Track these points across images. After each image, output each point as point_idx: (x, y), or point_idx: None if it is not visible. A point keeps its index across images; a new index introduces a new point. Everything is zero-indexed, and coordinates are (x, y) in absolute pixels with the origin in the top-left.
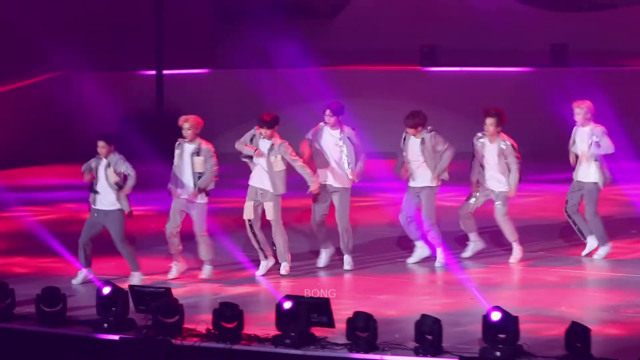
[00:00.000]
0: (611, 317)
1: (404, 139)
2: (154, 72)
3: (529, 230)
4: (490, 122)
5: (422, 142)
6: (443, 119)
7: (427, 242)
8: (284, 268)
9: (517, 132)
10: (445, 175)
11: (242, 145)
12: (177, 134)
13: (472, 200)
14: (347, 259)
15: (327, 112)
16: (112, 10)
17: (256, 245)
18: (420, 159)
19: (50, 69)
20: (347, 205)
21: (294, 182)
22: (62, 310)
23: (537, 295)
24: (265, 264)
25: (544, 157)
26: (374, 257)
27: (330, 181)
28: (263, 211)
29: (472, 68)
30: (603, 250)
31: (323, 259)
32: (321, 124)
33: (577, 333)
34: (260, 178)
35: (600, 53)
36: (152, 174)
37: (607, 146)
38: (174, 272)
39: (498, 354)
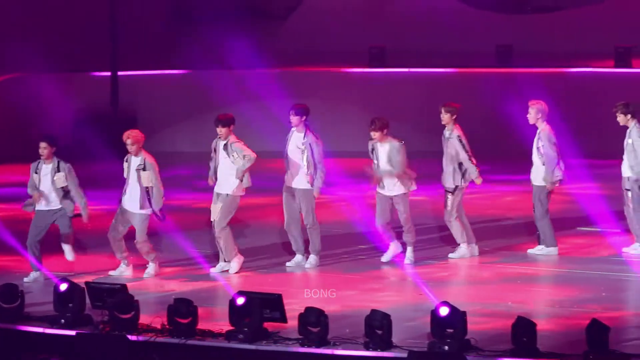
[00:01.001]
0: (556, 312)
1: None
2: (109, 73)
3: (475, 228)
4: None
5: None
6: (391, 119)
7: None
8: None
9: (464, 131)
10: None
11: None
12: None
13: (448, 203)
14: (312, 258)
15: (291, 112)
16: (68, 12)
17: (219, 246)
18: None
19: (7, 71)
20: (311, 204)
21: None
22: (20, 307)
23: (484, 291)
24: (222, 265)
25: (491, 156)
26: (325, 253)
27: (293, 183)
28: None
29: (420, 69)
30: (546, 251)
31: (294, 262)
32: (293, 128)
33: (523, 327)
34: (225, 183)
35: (545, 54)
36: (107, 174)
37: (546, 153)
38: (122, 271)
39: (446, 348)
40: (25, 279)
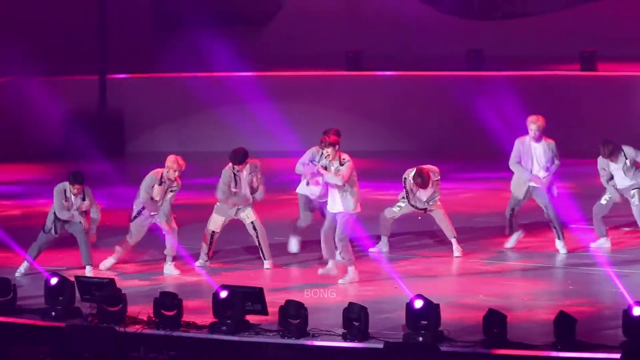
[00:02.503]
0: (526, 305)
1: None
2: (97, 77)
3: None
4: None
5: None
6: (367, 121)
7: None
8: (269, 263)
9: (436, 132)
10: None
11: (226, 196)
12: (119, 135)
13: (397, 208)
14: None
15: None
16: (57, 18)
17: (206, 250)
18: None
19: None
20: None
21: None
22: (12, 300)
23: (456, 284)
24: (205, 263)
25: (460, 155)
26: (305, 250)
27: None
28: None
29: (394, 72)
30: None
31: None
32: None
33: (494, 319)
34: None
35: (513, 58)
36: (96, 173)
37: (558, 162)
38: (107, 266)
39: (420, 338)
40: (17, 273)
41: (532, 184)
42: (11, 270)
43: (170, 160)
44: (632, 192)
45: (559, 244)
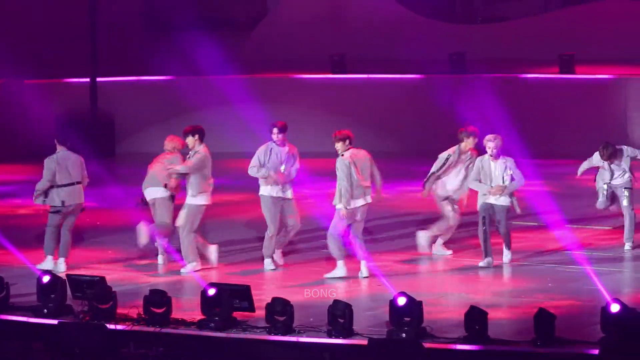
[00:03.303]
0: (506, 302)
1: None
2: (88, 80)
3: (431, 223)
4: None
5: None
6: (351, 123)
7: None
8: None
9: (420, 133)
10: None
11: None
12: (110, 136)
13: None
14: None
15: (276, 129)
16: (50, 22)
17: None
18: None
19: None
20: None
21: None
22: (5, 297)
23: (439, 282)
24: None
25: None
26: (290, 248)
27: (288, 194)
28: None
29: (378, 75)
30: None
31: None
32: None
33: (476, 316)
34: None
35: (494, 61)
36: (87, 173)
37: (520, 178)
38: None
39: (404, 335)
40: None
41: (489, 200)
42: (3, 268)
43: (175, 140)
44: (624, 190)
45: (506, 252)
